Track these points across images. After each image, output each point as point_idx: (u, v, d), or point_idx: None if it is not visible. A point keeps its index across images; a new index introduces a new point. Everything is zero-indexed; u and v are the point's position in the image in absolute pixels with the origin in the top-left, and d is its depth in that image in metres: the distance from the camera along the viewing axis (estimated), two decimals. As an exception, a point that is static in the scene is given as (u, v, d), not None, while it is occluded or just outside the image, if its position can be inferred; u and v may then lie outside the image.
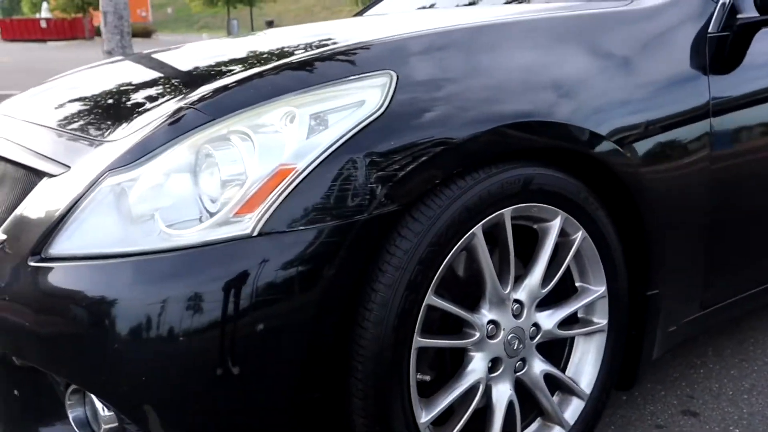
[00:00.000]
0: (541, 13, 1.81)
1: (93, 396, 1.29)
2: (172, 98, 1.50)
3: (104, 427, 1.30)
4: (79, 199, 1.28)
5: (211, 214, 1.23)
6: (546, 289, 1.52)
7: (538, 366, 1.55)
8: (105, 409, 1.29)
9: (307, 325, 1.24)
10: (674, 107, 1.66)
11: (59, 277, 1.26)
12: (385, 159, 1.27)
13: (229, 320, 1.20)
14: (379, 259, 1.29)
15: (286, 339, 1.24)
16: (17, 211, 1.37)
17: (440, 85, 1.39)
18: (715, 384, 2.07)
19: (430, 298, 1.34)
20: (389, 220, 1.28)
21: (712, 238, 1.78)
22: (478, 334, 1.44)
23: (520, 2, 2.33)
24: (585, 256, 1.58)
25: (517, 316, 1.49)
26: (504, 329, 1.46)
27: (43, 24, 53.94)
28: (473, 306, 1.45)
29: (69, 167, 1.37)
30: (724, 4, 1.80)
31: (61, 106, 1.73)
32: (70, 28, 53.93)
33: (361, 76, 1.35)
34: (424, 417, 1.39)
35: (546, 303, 1.55)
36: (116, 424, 1.30)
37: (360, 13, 3.16)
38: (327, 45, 1.65)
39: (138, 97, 1.67)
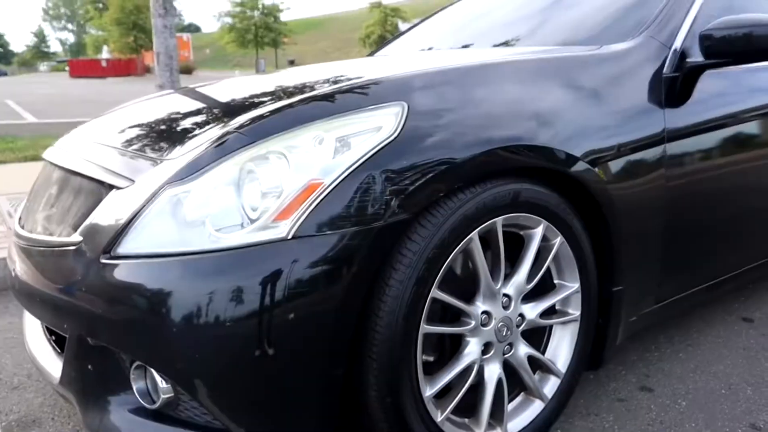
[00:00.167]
0: (525, 54, 1.81)
1: (153, 371, 1.28)
2: (216, 124, 1.49)
3: (162, 397, 1.29)
4: (142, 208, 1.28)
5: (252, 221, 1.22)
6: (530, 285, 1.52)
7: (523, 349, 1.54)
8: (163, 381, 1.28)
9: (331, 314, 1.23)
10: (636, 134, 1.66)
11: (126, 272, 1.25)
12: (398, 175, 1.26)
13: (266, 309, 1.19)
14: (392, 259, 1.28)
15: (313, 325, 1.23)
16: (91, 218, 1.36)
17: (443, 114, 1.38)
18: (666, 365, 2.06)
19: (435, 292, 1.33)
20: (401, 226, 1.27)
21: (666, 244, 1.77)
22: (473, 323, 1.43)
23: (506, 46, 2.32)
24: (562, 258, 1.57)
25: (506, 307, 1.48)
26: (495, 318, 1.46)
27: (104, 63, 54.24)
28: (469, 299, 1.44)
29: (133, 181, 1.36)
30: (675, 49, 1.81)
31: (125, 130, 1.72)
32: (126, 67, 54.19)
33: (378, 105, 1.34)
34: (428, 391, 1.38)
35: (530, 297, 1.54)
36: (172, 394, 1.29)
37: (371, 54, 3.16)
38: (346, 80, 1.64)
39: (187, 123, 1.66)
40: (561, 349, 1.63)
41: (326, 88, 1.56)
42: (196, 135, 1.46)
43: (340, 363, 1.28)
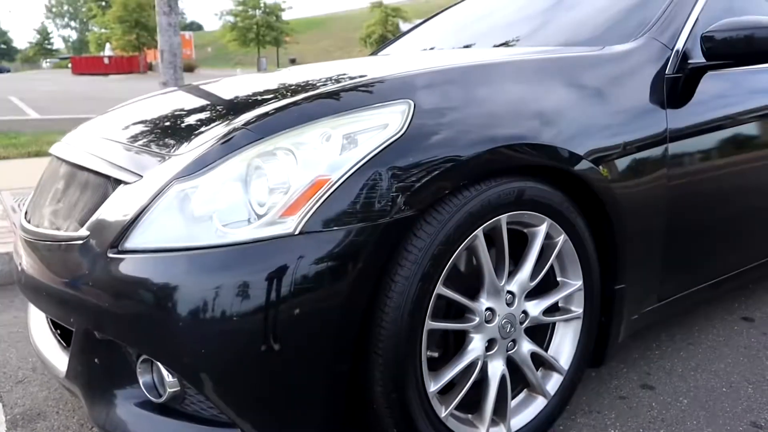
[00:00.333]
0: (529, 54, 1.81)
1: (160, 364, 1.28)
2: (222, 121, 1.49)
3: (169, 390, 1.29)
4: (150, 203, 1.28)
5: (259, 216, 1.22)
6: (533, 283, 1.51)
7: (526, 346, 1.54)
8: (170, 375, 1.28)
9: (337, 310, 1.23)
10: (639, 134, 1.66)
11: (133, 266, 1.25)
12: (405, 172, 1.26)
13: (272, 305, 1.19)
14: (398, 255, 1.28)
15: (319, 321, 1.23)
16: (98, 212, 1.36)
17: (448, 113, 1.38)
18: (667, 363, 2.06)
19: (440, 288, 1.33)
20: (407, 223, 1.27)
21: (668, 243, 1.77)
22: (477, 319, 1.43)
23: (507, 46, 2.32)
24: (565, 256, 1.57)
25: (509, 304, 1.48)
26: (499, 315, 1.46)
27: (106, 61, 54.21)
28: (473, 295, 1.44)
29: (141, 176, 1.36)
30: (677, 51, 1.81)
31: (132, 126, 1.72)
32: (128, 64, 54.13)
33: (385, 103, 1.34)
34: (433, 387, 1.38)
35: (533, 294, 1.54)
36: (179, 388, 1.29)
37: (373, 54, 3.15)
38: (351, 78, 1.64)
39: (193, 120, 1.66)
40: (564, 346, 1.64)
41: (332, 86, 1.56)
42: (202, 131, 1.46)
43: (346, 358, 1.28)
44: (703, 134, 1.84)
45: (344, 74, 1.78)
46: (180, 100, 2.04)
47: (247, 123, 1.36)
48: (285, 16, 62.92)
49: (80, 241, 1.35)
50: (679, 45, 1.81)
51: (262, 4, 59.73)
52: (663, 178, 1.70)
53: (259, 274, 1.19)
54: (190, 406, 1.30)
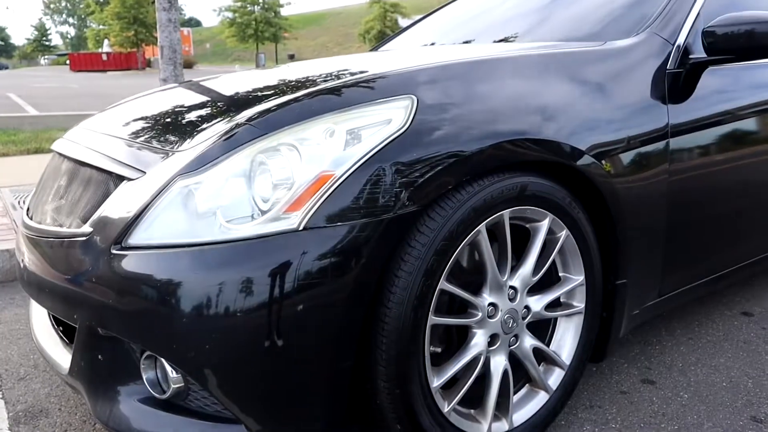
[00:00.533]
0: (530, 50, 1.81)
1: (164, 361, 1.28)
2: (224, 117, 1.48)
3: (173, 386, 1.29)
4: (153, 199, 1.27)
5: (263, 212, 1.22)
6: (536, 278, 1.52)
7: (528, 341, 1.55)
8: (173, 371, 1.28)
9: (340, 305, 1.23)
10: (640, 129, 1.66)
11: (137, 262, 1.25)
12: (408, 168, 1.26)
13: (275, 301, 1.19)
14: (401, 251, 1.28)
15: (323, 316, 1.23)
16: (101, 209, 1.36)
17: (451, 108, 1.38)
18: (668, 358, 2.06)
19: (443, 284, 1.33)
20: (410, 218, 1.27)
21: (669, 238, 1.77)
22: (480, 314, 1.43)
23: (508, 41, 2.31)
24: (567, 251, 1.57)
25: (512, 299, 1.48)
26: (501, 310, 1.46)
27: (104, 57, 54.11)
28: (476, 291, 1.44)
29: (145, 172, 1.36)
30: (678, 45, 1.81)
31: (134, 122, 1.72)
32: (126, 61, 54.06)
33: (388, 99, 1.34)
34: (436, 382, 1.38)
35: (535, 289, 1.54)
36: (182, 384, 1.29)
37: (374, 49, 3.14)
38: (352, 74, 1.64)
39: (195, 116, 1.66)
40: (565, 341, 1.64)
41: (335, 82, 1.55)
42: (205, 128, 1.45)
43: (349, 354, 1.28)
44: (705, 129, 1.84)
45: (346, 70, 1.78)
46: (181, 97, 2.04)
47: (250, 119, 1.36)
48: (283, 12, 62.83)
49: (83, 238, 1.35)
50: (681, 40, 1.81)
51: (260, 0, 59.62)
52: (664, 173, 1.70)
53: (263, 270, 1.19)
54: (194, 402, 1.30)
